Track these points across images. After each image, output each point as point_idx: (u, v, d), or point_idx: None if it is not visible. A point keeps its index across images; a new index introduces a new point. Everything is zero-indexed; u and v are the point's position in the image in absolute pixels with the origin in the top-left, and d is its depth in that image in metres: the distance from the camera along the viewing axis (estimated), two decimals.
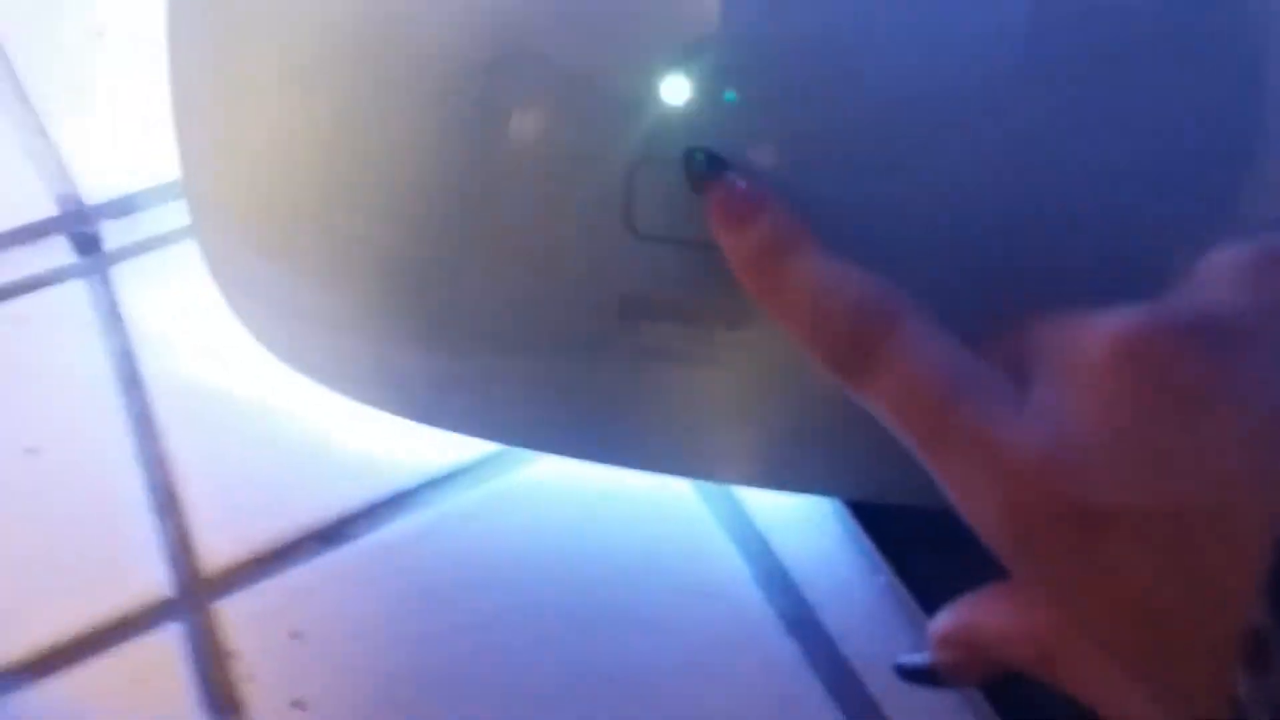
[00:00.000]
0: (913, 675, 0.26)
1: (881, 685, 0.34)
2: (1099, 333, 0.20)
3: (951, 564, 0.36)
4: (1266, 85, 0.29)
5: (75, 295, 0.46)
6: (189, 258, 0.39)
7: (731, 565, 0.37)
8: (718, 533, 0.38)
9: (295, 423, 0.41)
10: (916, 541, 0.36)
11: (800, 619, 0.36)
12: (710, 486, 0.39)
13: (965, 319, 0.26)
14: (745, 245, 0.25)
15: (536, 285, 0.31)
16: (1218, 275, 0.21)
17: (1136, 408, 0.19)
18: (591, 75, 0.28)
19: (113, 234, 0.48)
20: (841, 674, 0.34)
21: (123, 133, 0.46)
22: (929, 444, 0.21)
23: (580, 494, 0.39)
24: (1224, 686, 0.17)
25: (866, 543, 0.36)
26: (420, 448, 0.40)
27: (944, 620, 0.25)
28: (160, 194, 0.48)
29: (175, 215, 0.48)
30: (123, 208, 0.48)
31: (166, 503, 0.39)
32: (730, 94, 0.28)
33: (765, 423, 0.34)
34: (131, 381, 0.43)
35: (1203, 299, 0.20)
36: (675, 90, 0.27)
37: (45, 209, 0.47)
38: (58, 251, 0.47)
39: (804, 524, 0.38)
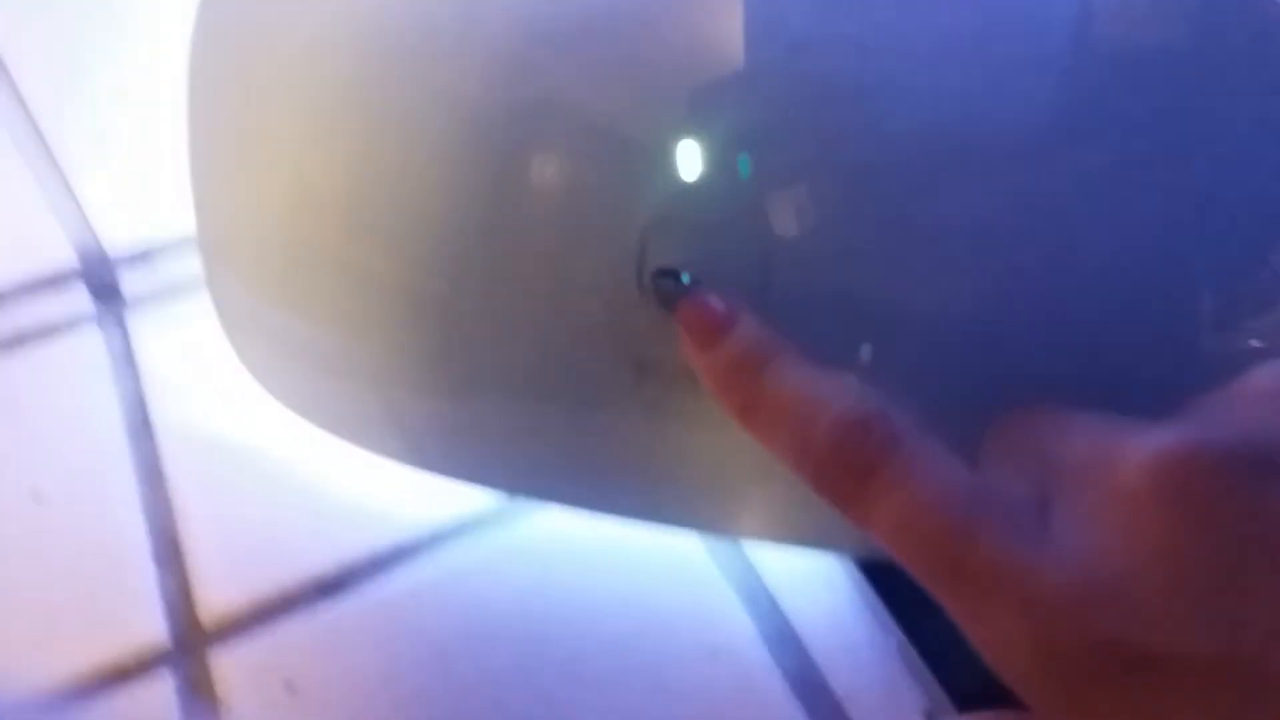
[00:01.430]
0: None
1: None
2: (1134, 456, 0.18)
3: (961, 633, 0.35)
4: None
5: (91, 342, 0.46)
6: (205, 307, 0.39)
7: (739, 624, 0.36)
8: (726, 590, 0.37)
9: (303, 472, 0.41)
10: (928, 603, 0.35)
11: (808, 680, 0.35)
12: (720, 543, 0.38)
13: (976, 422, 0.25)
14: (719, 361, 0.24)
15: (550, 340, 0.31)
16: (1258, 399, 0.19)
17: (1182, 543, 0.17)
18: (608, 136, 0.28)
19: (132, 282, 0.48)
20: None
21: (145, 186, 0.46)
22: (941, 580, 0.19)
23: (586, 550, 0.38)
24: None
25: (878, 604, 0.35)
26: (427, 500, 0.40)
27: None
28: (180, 245, 0.49)
29: (193, 264, 0.48)
30: (143, 257, 0.49)
31: (169, 551, 0.39)
32: (744, 160, 0.27)
33: (776, 479, 0.33)
34: (141, 429, 0.43)
35: (1243, 424, 0.18)
36: (689, 155, 0.27)
37: (66, 259, 0.48)
38: (77, 299, 0.47)
39: (814, 583, 0.37)
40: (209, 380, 0.44)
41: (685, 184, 0.27)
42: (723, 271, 0.28)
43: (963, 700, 0.33)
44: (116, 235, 0.48)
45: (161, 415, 0.43)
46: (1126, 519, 0.17)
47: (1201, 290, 0.28)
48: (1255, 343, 0.28)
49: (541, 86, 0.28)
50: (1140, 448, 0.18)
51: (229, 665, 0.36)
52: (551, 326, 0.30)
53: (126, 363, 0.45)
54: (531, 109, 0.29)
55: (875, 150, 0.27)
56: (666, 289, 0.26)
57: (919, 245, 0.27)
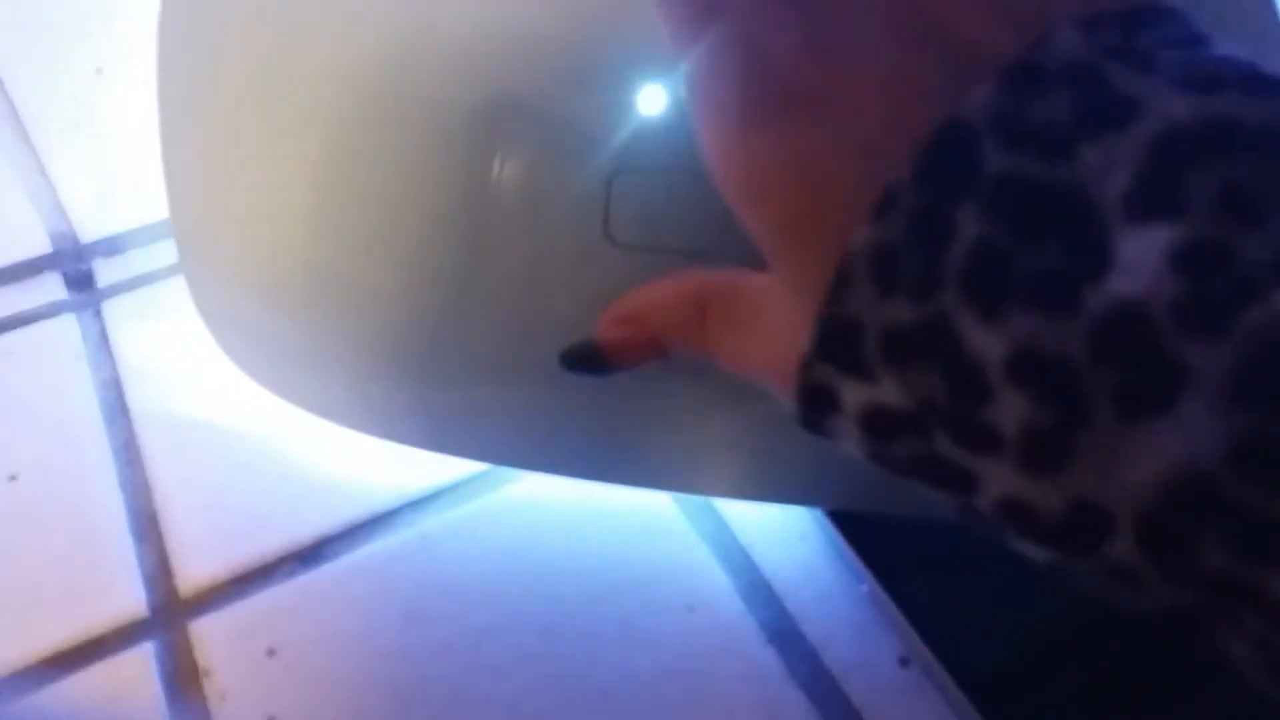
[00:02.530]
0: (575, 360, 0.26)
1: (864, 694, 0.33)
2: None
3: (934, 571, 0.35)
4: None
5: (66, 329, 0.46)
6: (179, 294, 0.40)
7: (714, 578, 0.37)
8: (700, 547, 0.37)
9: (278, 450, 0.41)
10: (899, 550, 0.35)
11: (782, 630, 0.35)
12: (693, 502, 0.39)
13: None
14: None
15: (521, 305, 0.31)
16: None
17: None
18: (569, 100, 0.29)
19: (105, 271, 0.48)
20: (824, 683, 0.34)
21: (119, 171, 0.47)
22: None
23: (561, 513, 0.39)
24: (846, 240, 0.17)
25: (849, 552, 0.36)
26: (401, 471, 0.40)
27: (615, 304, 0.25)
28: (153, 232, 0.49)
29: (166, 253, 0.48)
30: (116, 245, 0.49)
31: (146, 526, 0.39)
32: None
33: (745, 431, 0.34)
34: (117, 411, 0.43)
35: None
36: (650, 102, 0.28)
37: (40, 246, 0.48)
38: (51, 288, 0.48)
39: (786, 536, 0.37)
40: (184, 364, 0.44)
41: (647, 130, 0.28)
42: (684, 215, 0.29)
43: (935, 642, 0.33)
44: (90, 223, 0.48)
45: (137, 398, 0.43)
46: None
47: None
48: None
49: (498, 73, 0.29)
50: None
51: (210, 634, 0.36)
52: (521, 286, 0.31)
53: (102, 349, 0.45)
54: (490, 90, 0.29)
55: None
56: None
57: None
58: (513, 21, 0.29)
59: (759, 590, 0.36)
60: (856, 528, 0.36)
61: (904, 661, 0.34)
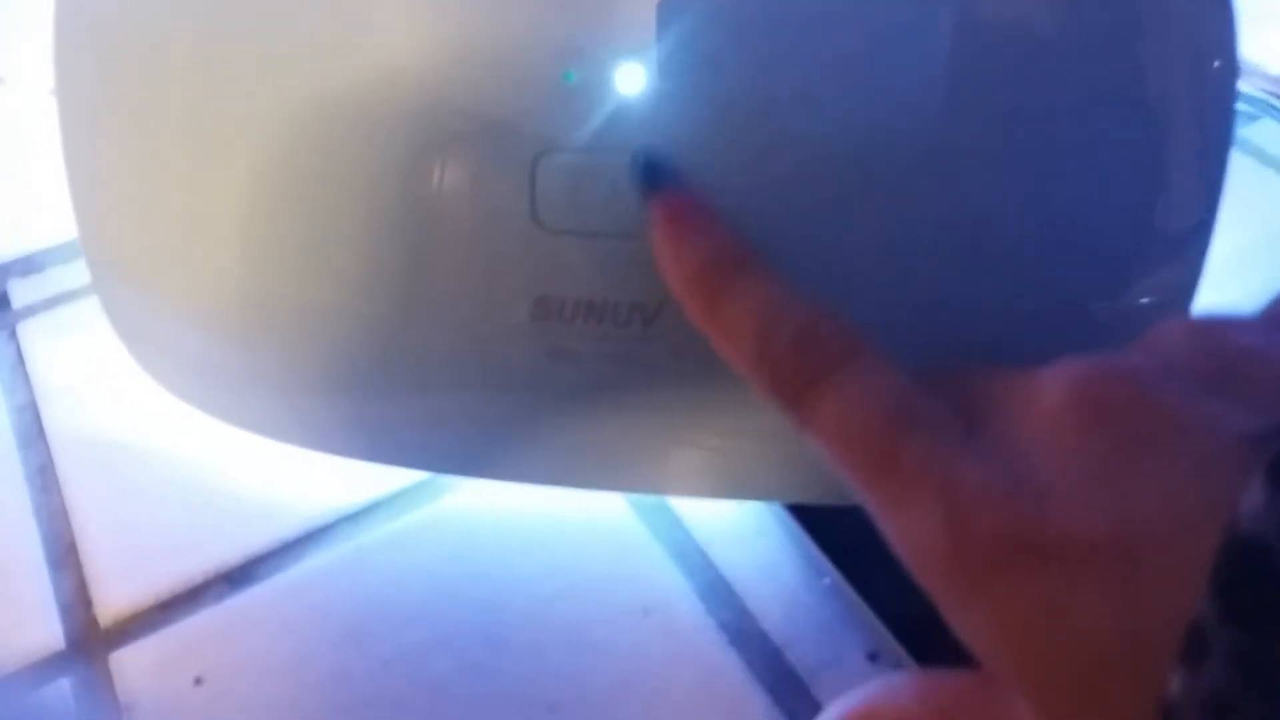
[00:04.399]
0: None
1: (833, 694, 0.31)
2: (1055, 379, 0.19)
3: (898, 563, 0.34)
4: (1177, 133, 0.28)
5: None
6: (96, 313, 0.38)
7: (670, 580, 0.35)
8: (655, 548, 0.35)
9: (203, 468, 0.39)
10: (861, 541, 0.33)
11: (743, 630, 0.33)
12: (645, 503, 0.37)
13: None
14: (690, 260, 0.24)
15: (447, 302, 0.30)
16: (1170, 339, 0.20)
17: (1087, 442, 0.18)
18: (505, 101, 0.28)
19: (21, 291, 0.46)
20: (789, 684, 0.32)
21: (29, 186, 0.45)
22: (869, 474, 0.20)
23: (505, 520, 0.37)
24: (1156, 695, 0.15)
25: (810, 546, 0.34)
26: (334, 485, 0.38)
27: (836, 708, 0.23)
28: (73, 249, 0.47)
29: (82, 271, 0.46)
30: (33, 265, 0.47)
31: (63, 553, 0.37)
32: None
33: (692, 423, 0.32)
34: (33, 435, 0.40)
35: (1154, 355, 0.20)
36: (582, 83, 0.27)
37: None
38: None
39: (744, 532, 0.36)
40: (102, 386, 0.42)
41: (573, 114, 0.27)
42: (611, 197, 0.27)
43: (904, 635, 0.32)
44: (3, 242, 0.46)
45: (54, 421, 0.41)
46: (1042, 426, 0.19)
47: (1090, 260, 0.29)
48: (1144, 300, 0.29)
49: (435, 88, 0.28)
50: (1055, 371, 0.19)
51: (132, 665, 0.34)
52: (447, 281, 0.30)
53: (18, 372, 0.43)
54: (429, 107, 0.28)
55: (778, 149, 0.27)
56: (641, 175, 0.26)
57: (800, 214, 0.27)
58: (446, 26, 0.28)
59: (718, 590, 0.34)
60: (816, 520, 0.34)
61: (873, 657, 0.32)
